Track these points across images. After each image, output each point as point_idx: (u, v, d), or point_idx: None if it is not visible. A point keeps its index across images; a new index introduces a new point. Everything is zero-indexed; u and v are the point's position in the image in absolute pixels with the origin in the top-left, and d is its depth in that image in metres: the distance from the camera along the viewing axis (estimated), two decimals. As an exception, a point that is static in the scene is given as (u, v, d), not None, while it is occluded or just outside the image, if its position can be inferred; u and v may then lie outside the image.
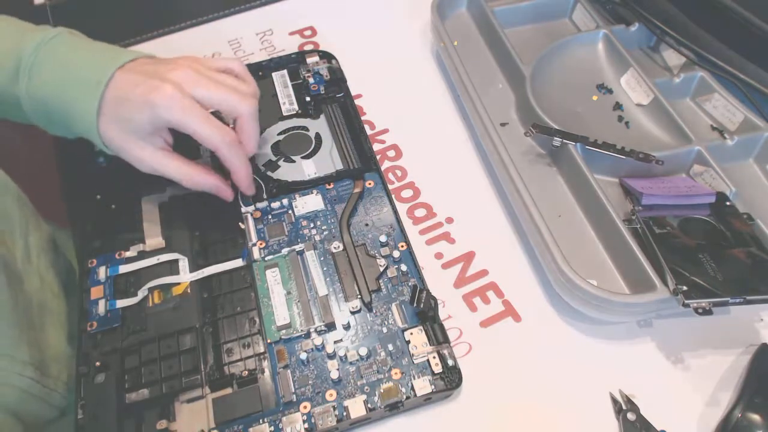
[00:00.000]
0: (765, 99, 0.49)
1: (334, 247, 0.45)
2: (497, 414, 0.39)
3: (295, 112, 0.53)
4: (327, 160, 0.50)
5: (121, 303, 0.43)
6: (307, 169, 0.50)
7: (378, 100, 0.57)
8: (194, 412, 0.38)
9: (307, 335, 0.41)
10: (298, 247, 0.45)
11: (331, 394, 0.38)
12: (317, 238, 0.45)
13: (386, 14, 0.64)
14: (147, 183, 0.49)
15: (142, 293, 0.43)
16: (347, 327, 0.41)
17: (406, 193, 0.51)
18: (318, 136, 0.52)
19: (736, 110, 0.50)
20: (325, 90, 0.55)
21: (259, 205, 0.47)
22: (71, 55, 0.41)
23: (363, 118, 0.55)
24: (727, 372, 0.41)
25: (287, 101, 0.54)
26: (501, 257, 0.47)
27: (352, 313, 0.42)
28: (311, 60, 0.57)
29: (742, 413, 0.37)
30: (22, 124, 0.45)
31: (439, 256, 0.47)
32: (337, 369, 0.39)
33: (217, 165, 0.47)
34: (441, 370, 0.39)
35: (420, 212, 0.49)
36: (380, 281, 0.43)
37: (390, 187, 0.50)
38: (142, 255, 0.45)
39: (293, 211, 0.47)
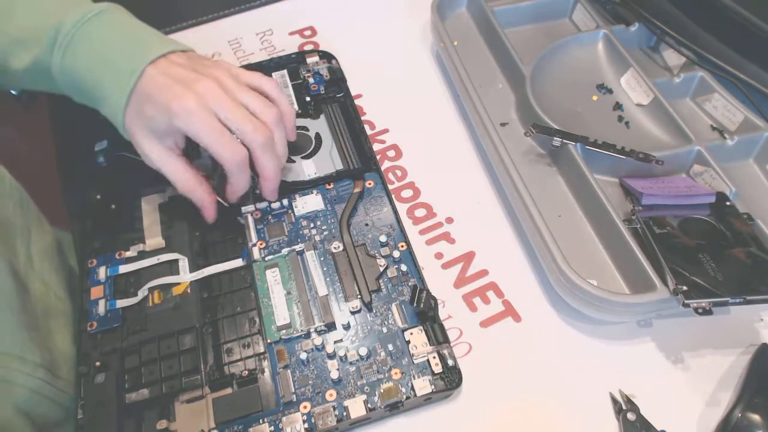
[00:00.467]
0: (765, 99, 0.49)
1: (334, 247, 0.45)
2: (497, 414, 0.39)
3: (295, 112, 0.53)
4: (327, 160, 0.50)
5: (121, 303, 0.43)
6: (307, 169, 0.50)
7: (378, 100, 0.57)
8: (194, 412, 0.38)
9: (307, 335, 0.41)
10: (298, 247, 0.45)
11: (331, 394, 0.38)
12: (317, 238, 0.45)
13: (386, 14, 0.64)
14: (147, 183, 0.49)
15: (142, 293, 0.43)
16: (347, 327, 0.41)
17: (406, 193, 0.51)
18: (318, 136, 0.52)
19: (736, 110, 0.50)
20: (325, 90, 0.55)
21: (259, 205, 0.47)
22: (108, 40, 0.42)
23: (363, 118, 0.55)
24: (727, 372, 0.41)
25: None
26: (501, 257, 0.47)
27: (352, 313, 0.42)
28: (311, 60, 0.57)
29: (742, 413, 0.37)
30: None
31: (439, 256, 0.47)
32: (337, 369, 0.39)
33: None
34: (441, 370, 0.39)
35: (420, 212, 0.49)
36: (380, 281, 0.43)
37: (390, 187, 0.50)
38: (142, 255, 0.45)
39: (293, 211, 0.47)
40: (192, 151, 0.46)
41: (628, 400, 0.39)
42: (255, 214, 0.47)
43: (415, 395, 0.38)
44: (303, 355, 0.40)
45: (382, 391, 0.38)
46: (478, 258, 0.47)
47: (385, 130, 0.55)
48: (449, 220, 0.49)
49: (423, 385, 0.38)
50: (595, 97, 0.54)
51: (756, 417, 0.37)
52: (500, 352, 0.42)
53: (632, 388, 0.40)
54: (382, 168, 0.51)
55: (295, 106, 0.53)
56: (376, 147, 0.53)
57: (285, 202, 0.47)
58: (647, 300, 0.39)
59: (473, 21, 0.60)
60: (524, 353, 0.42)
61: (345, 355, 0.40)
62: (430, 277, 0.44)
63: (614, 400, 0.39)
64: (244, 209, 0.47)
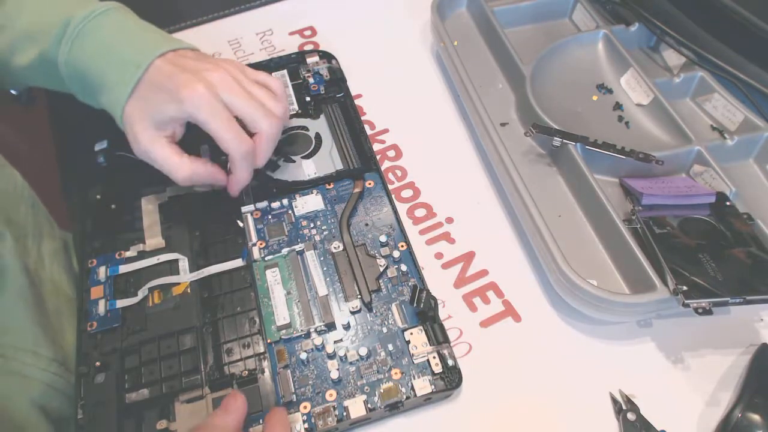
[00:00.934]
0: (765, 99, 0.49)
1: (334, 247, 0.45)
2: (497, 414, 0.39)
3: (295, 112, 0.53)
4: (327, 160, 0.50)
5: (121, 303, 0.43)
6: (307, 169, 0.50)
7: (378, 100, 0.57)
8: (194, 412, 0.38)
9: (307, 335, 0.41)
10: (298, 247, 0.45)
11: (331, 394, 0.38)
12: (317, 238, 0.45)
13: (386, 14, 0.64)
14: (147, 183, 0.49)
15: (142, 293, 0.43)
16: (347, 327, 0.41)
17: (406, 193, 0.51)
18: (318, 136, 0.52)
19: (736, 110, 0.50)
20: (325, 90, 0.55)
21: (259, 205, 0.47)
22: (116, 34, 0.42)
23: (363, 118, 0.55)
24: (727, 372, 0.41)
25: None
26: (501, 257, 0.47)
27: (352, 313, 0.42)
28: (311, 60, 0.57)
29: (742, 413, 0.37)
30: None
31: (439, 256, 0.47)
32: (337, 369, 0.39)
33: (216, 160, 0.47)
34: (441, 370, 0.39)
35: (420, 212, 0.49)
36: (380, 281, 0.43)
37: (390, 187, 0.50)
38: (142, 255, 0.45)
39: (293, 211, 0.47)
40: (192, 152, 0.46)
41: (628, 400, 0.39)
42: (255, 214, 0.47)
43: (415, 395, 0.38)
44: (303, 355, 0.40)
45: (382, 391, 0.38)
46: (478, 258, 0.47)
47: (385, 130, 0.55)
48: (449, 220, 0.49)
49: (423, 385, 0.38)
50: (595, 97, 0.54)
51: (756, 417, 0.37)
52: (500, 352, 0.42)
53: (632, 388, 0.40)
54: (382, 168, 0.51)
55: (295, 106, 0.53)
56: (376, 147, 0.53)
57: (285, 202, 0.47)
58: (647, 300, 0.39)
59: (473, 21, 0.60)
60: (524, 353, 0.42)
61: (345, 355, 0.40)
62: (430, 277, 0.44)
63: (614, 400, 0.39)
64: (244, 209, 0.47)
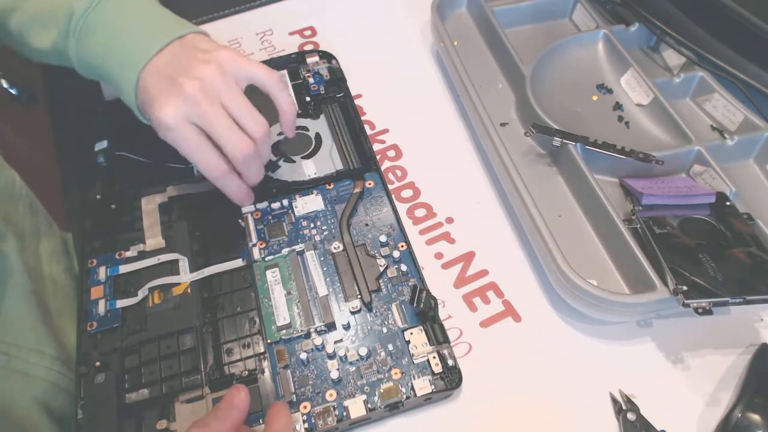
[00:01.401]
0: (765, 99, 0.49)
1: (334, 247, 0.45)
2: (497, 414, 0.39)
3: (295, 109, 0.53)
4: (327, 160, 0.50)
5: (121, 303, 0.43)
6: (307, 169, 0.50)
7: (378, 100, 0.57)
8: (194, 412, 0.38)
9: (307, 335, 0.41)
10: (298, 248, 0.45)
11: (331, 394, 0.38)
12: (317, 238, 0.45)
13: (386, 14, 0.64)
14: (147, 183, 0.49)
15: (142, 293, 0.43)
16: (347, 327, 0.41)
17: (406, 193, 0.51)
18: (318, 136, 0.52)
19: (736, 110, 0.50)
20: (325, 90, 0.55)
21: (259, 205, 0.47)
22: (116, 26, 0.42)
23: (363, 118, 0.55)
24: (727, 372, 0.41)
25: (287, 101, 0.54)
26: (501, 257, 0.47)
27: (352, 313, 0.42)
28: (311, 60, 0.57)
29: (742, 413, 0.37)
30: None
31: (439, 256, 0.47)
32: (337, 369, 0.39)
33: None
34: (441, 370, 0.39)
35: (420, 212, 0.49)
36: (380, 281, 0.43)
37: (390, 187, 0.50)
38: (142, 255, 0.45)
39: (293, 212, 0.47)
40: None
41: (628, 400, 0.39)
42: (255, 215, 0.47)
43: (415, 395, 0.38)
44: (303, 355, 0.40)
45: (382, 391, 0.38)
46: (478, 258, 0.46)
47: (385, 130, 0.55)
48: (449, 220, 0.49)
49: (423, 385, 0.38)
50: (595, 97, 0.54)
51: (756, 417, 0.37)
52: (500, 352, 0.42)
53: (632, 388, 0.40)
54: (382, 168, 0.51)
55: (295, 106, 0.53)
56: (376, 147, 0.53)
57: (285, 202, 0.47)
58: (647, 300, 0.39)
59: (473, 21, 0.60)
60: (524, 353, 0.42)
61: (345, 355, 0.40)
62: (430, 277, 0.44)
63: (614, 400, 0.39)
64: (244, 209, 0.47)
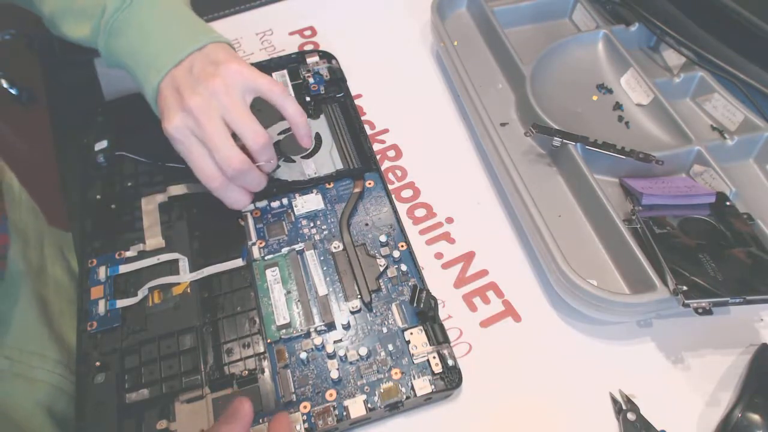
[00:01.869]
0: (765, 99, 0.49)
1: (334, 247, 0.44)
2: (497, 414, 0.39)
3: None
4: (327, 160, 0.50)
5: (121, 303, 0.43)
6: (307, 169, 0.50)
7: (378, 100, 0.57)
8: (194, 412, 0.38)
9: (307, 335, 0.41)
10: (298, 247, 0.45)
11: (331, 394, 0.38)
12: (317, 237, 0.45)
13: (386, 14, 0.64)
14: (147, 183, 0.49)
15: (142, 293, 0.43)
16: (347, 327, 0.41)
17: (406, 193, 0.51)
18: (318, 136, 0.52)
19: (736, 110, 0.50)
20: (325, 90, 0.55)
21: (259, 204, 0.47)
22: (145, 29, 0.44)
23: (363, 118, 0.55)
24: (727, 372, 0.41)
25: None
26: (501, 257, 0.47)
27: (352, 313, 0.42)
28: (311, 60, 0.57)
29: (742, 413, 0.37)
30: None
31: (439, 256, 0.47)
32: (337, 369, 0.39)
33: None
34: (441, 370, 0.39)
35: (420, 212, 0.49)
36: (380, 281, 0.43)
37: (390, 187, 0.50)
38: (142, 255, 0.45)
39: (293, 211, 0.47)
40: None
41: (628, 400, 0.39)
42: (255, 214, 0.47)
43: (415, 395, 0.38)
44: (303, 355, 0.40)
45: (382, 391, 0.38)
46: (478, 258, 0.46)
47: (385, 130, 0.55)
48: (449, 220, 0.49)
49: (423, 385, 0.38)
50: (595, 97, 0.54)
51: (756, 417, 0.37)
52: (500, 352, 0.42)
53: (632, 388, 0.40)
54: (382, 168, 0.51)
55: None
56: (376, 147, 0.53)
57: (285, 201, 0.47)
58: (647, 300, 0.39)
59: (473, 21, 0.60)
60: (524, 353, 0.42)
61: (345, 355, 0.40)
62: (430, 277, 0.44)
63: (614, 400, 0.39)
64: (244, 209, 0.47)
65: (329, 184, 0.48)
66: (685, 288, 0.37)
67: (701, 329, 0.42)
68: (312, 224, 0.46)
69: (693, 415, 0.39)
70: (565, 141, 0.47)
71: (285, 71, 0.56)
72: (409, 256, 0.44)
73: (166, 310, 0.42)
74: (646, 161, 0.46)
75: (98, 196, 0.49)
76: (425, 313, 0.41)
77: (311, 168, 0.50)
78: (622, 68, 0.54)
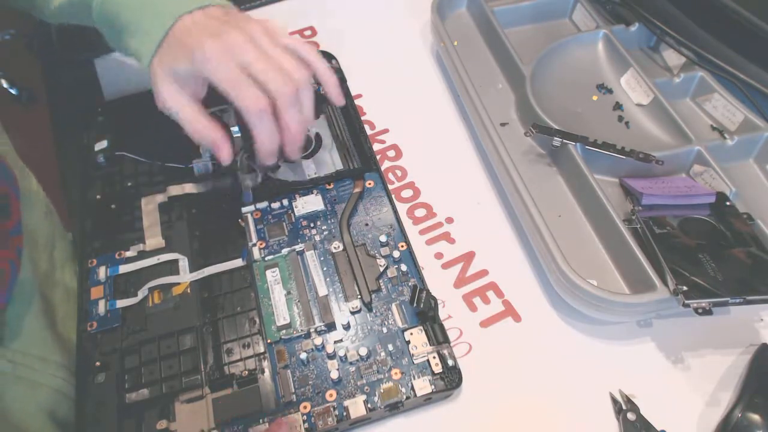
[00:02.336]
0: (765, 99, 0.49)
1: (334, 247, 0.44)
2: (497, 414, 0.39)
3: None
4: (327, 160, 0.50)
5: (121, 303, 0.43)
6: (307, 169, 0.50)
7: (378, 100, 0.57)
8: (194, 412, 0.38)
9: (307, 335, 0.41)
10: (298, 247, 0.45)
11: (331, 394, 0.38)
12: (317, 238, 0.45)
13: (386, 14, 0.64)
14: (147, 183, 0.49)
15: (142, 293, 0.43)
16: (347, 327, 0.41)
17: (406, 193, 0.51)
18: (318, 136, 0.52)
19: (736, 110, 0.50)
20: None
21: (259, 205, 0.47)
22: None
23: (363, 118, 0.55)
24: (727, 372, 0.41)
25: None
26: (501, 257, 0.47)
27: (352, 313, 0.42)
28: (311, 60, 0.57)
29: (742, 413, 0.37)
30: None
31: (439, 256, 0.47)
32: (337, 369, 0.39)
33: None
34: (441, 370, 0.39)
35: (420, 212, 0.49)
36: (380, 281, 0.43)
37: (390, 187, 0.50)
38: (142, 255, 0.45)
39: (293, 211, 0.47)
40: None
41: (628, 400, 0.39)
42: (255, 214, 0.47)
43: (415, 395, 0.38)
44: (303, 355, 0.40)
45: (382, 391, 0.38)
46: (478, 258, 0.46)
47: (385, 130, 0.55)
48: (449, 220, 0.49)
49: (423, 385, 0.38)
50: (595, 97, 0.54)
51: (756, 417, 0.37)
52: (500, 352, 0.42)
53: (632, 388, 0.40)
54: (382, 168, 0.51)
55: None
56: (376, 147, 0.53)
57: (285, 202, 0.47)
58: (647, 300, 0.39)
59: (473, 21, 0.60)
60: (524, 353, 0.42)
61: (345, 355, 0.40)
62: (430, 277, 0.44)
63: (614, 400, 0.39)
64: (244, 209, 0.47)
65: (329, 185, 0.48)
66: (685, 288, 0.37)
67: (701, 329, 0.42)
68: (312, 225, 0.46)
69: (693, 415, 0.39)
70: (565, 141, 0.47)
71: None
72: (409, 256, 0.44)
73: (166, 310, 0.42)
74: (646, 161, 0.46)
75: (98, 196, 0.49)
76: (425, 313, 0.41)
77: (311, 168, 0.50)
78: (622, 68, 0.54)
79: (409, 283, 0.43)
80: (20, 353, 0.41)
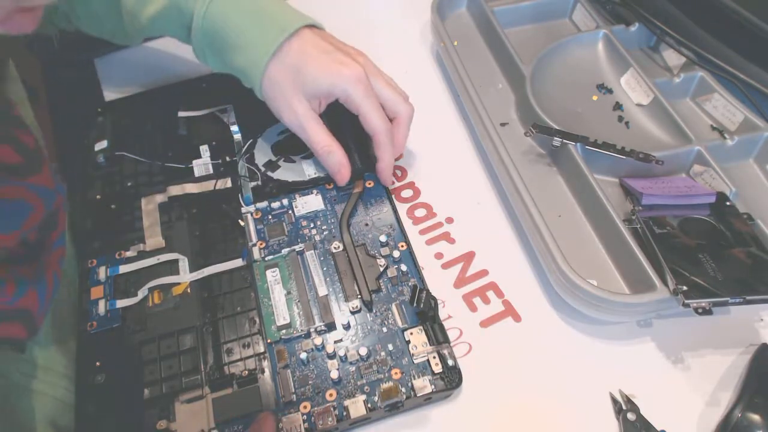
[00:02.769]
0: (765, 99, 0.49)
1: (334, 247, 0.44)
2: (497, 414, 0.39)
3: None
4: (327, 160, 0.50)
5: (121, 303, 0.43)
6: (307, 169, 0.50)
7: (378, 100, 0.57)
8: (194, 412, 0.38)
9: (307, 335, 0.41)
10: (298, 247, 0.45)
11: (331, 394, 0.38)
12: (317, 238, 0.45)
13: (386, 14, 0.64)
14: (147, 183, 0.49)
15: (142, 293, 0.43)
16: (347, 327, 0.41)
17: (406, 193, 0.51)
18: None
19: (736, 110, 0.50)
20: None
21: (259, 205, 0.47)
22: None
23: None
24: (727, 372, 0.41)
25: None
26: (501, 257, 0.47)
27: (352, 313, 0.42)
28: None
29: (742, 413, 0.37)
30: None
31: (439, 256, 0.47)
32: (337, 369, 0.39)
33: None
34: (441, 370, 0.39)
35: (420, 212, 0.49)
36: (380, 281, 0.43)
37: (390, 187, 0.50)
38: (142, 255, 0.45)
39: (293, 211, 0.47)
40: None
41: (628, 400, 0.39)
42: (255, 214, 0.47)
43: (415, 395, 0.38)
44: (303, 355, 0.40)
45: (382, 391, 0.38)
46: (478, 258, 0.46)
47: (385, 130, 0.55)
48: (449, 220, 0.49)
49: (423, 385, 0.38)
50: (595, 97, 0.54)
51: (756, 417, 0.37)
52: (500, 352, 0.42)
53: (632, 388, 0.40)
54: (382, 168, 0.51)
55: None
56: (376, 147, 0.53)
57: (285, 202, 0.47)
58: (647, 300, 0.39)
59: (473, 21, 0.60)
60: (524, 353, 0.42)
61: (345, 355, 0.40)
62: (430, 277, 0.44)
63: (614, 400, 0.39)
64: (244, 209, 0.47)
65: (329, 185, 0.48)
66: (685, 288, 0.37)
67: (701, 329, 0.42)
68: (312, 225, 0.46)
69: (693, 415, 0.39)
70: (565, 141, 0.47)
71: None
72: (409, 256, 0.44)
73: (166, 310, 0.42)
74: (646, 161, 0.46)
75: (98, 196, 0.49)
76: (425, 313, 0.41)
77: (311, 168, 0.50)
78: (622, 68, 0.54)
79: (409, 283, 0.43)
80: (25, 362, 0.41)
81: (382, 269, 0.43)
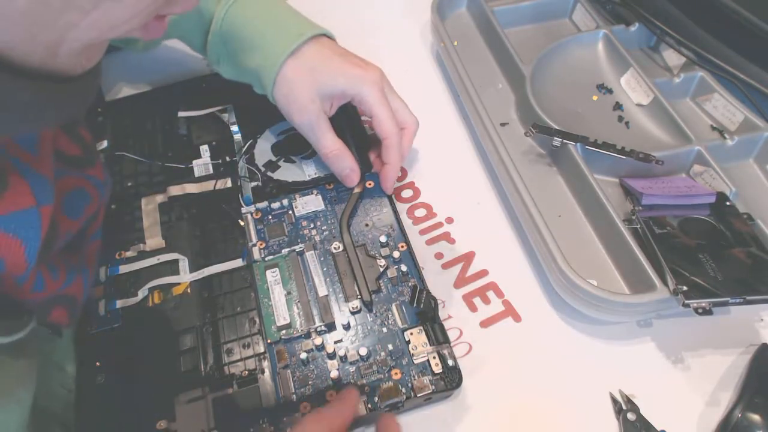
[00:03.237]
0: (765, 99, 0.49)
1: (334, 248, 0.44)
2: (497, 414, 0.39)
3: None
4: (327, 160, 0.50)
5: (121, 303, 0.43)
6: (307, 169, 0.50)
7: (378, 100, 0.57)
8: (194, 412, 0.38)
9: (307, 335, 0.41)
10: (298, 248, 0.45)
11: (331, 394, 0.38)
12: (317, 238, 0.45)
13: (386, 14, 0.64)
14: (147, 183, 0.49)
15: (142, 293, 0.43)
16: (347, 327, 0.41)
17: (406, 193, 0.51)
18: (318, 136, 0.52)
19: (736, 110, 0.50)
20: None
21: (259, 205, 0.47)
22: (278, 2, 0.47)
23: (363, 118, 0.55)
24: (727, 372, 0.41)
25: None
26: (501, 257, 0.47)
27: (352, 313, 0.42)
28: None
29: (742, 413, 0.37)
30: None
31: (439, 256, 0.47)
32: (337, 369, 0.39)
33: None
34: (441, 370, 0.39)
35: (420, 212, 0.49)
36: (380, 281, 0.43)
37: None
38: (142, 255, 0.45)
39: (293, 212, 0.47)
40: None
41: (628, 400, 0.39)
42: (255, 215, 0.47)
43: (415, 395, 0.38)
44: (303, 355, 0.40)
45: (382, 391, 0.38)
46: (478, 258, 0.46)
47: (385, 130, 0.55)
48: (449, 220, 0.49)
49: (423, 385, 0.38)
50: (595, 97, 0.54)
51: (756, 417, 0.37)
52: (500, 352, 0.42)
53: (632, 388, 0.40)
54: (382, 168, 0.51)
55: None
56: (376, 147, 0.53)
57: (285, 202, 0.47)
58: (647, 300, 0.39)
59: (473, 21, 0.60)
60: (524, 353, 0.42)
61: (345, 355, 0.40)
62: (430, 277, 0.44)
63: (614, 400, 0.39)
64: (244, 209, 0.47)
65: (329, 185, 0.48)
66: (685, 288, 0.37)
67: (701, 329, 0.42)
68: (312, 225, 0.46)
69: (693, 415, 0.39)
70: (565, 141, 0.47)
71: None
72: (409, 256, 0.44)
73: (166, 310, 0.42)
74: (646, 161, 0.46)
75: (98, 197, 0.49)
76: (425, 313, 0.41)
77: (311, 168, 0.50)
78: (622, 68, 0.54)
79: (409, 284, 0.43)
80: (62, 351, 0.41)
81: (382, 269, 0.43)
